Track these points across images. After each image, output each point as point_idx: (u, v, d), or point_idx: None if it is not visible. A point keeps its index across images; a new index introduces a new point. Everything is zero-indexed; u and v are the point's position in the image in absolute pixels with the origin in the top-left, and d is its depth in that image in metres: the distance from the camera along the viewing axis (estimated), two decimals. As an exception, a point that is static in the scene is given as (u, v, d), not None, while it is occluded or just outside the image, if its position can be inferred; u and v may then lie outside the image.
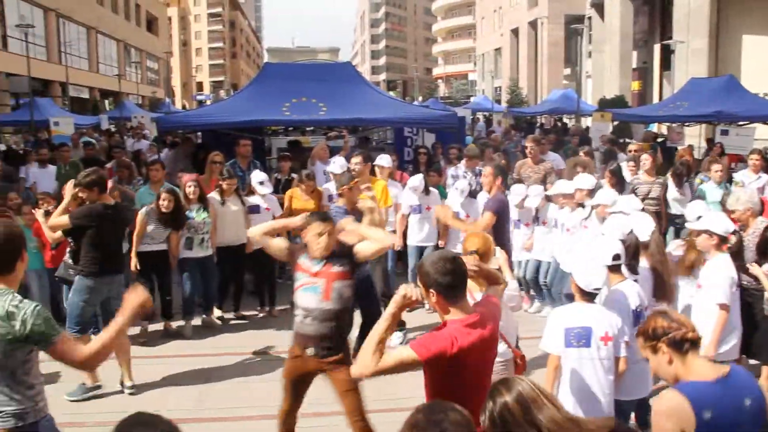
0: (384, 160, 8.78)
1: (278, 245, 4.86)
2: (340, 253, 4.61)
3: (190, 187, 7.89)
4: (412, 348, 3.08)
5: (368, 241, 4.68)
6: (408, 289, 3.18)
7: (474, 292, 4.43)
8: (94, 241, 6.18)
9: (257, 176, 8.54)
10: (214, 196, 8.17)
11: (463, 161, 10.58)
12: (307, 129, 12.88)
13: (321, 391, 4.81)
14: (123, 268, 6.78)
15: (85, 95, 43.35)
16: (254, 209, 8.38)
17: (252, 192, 8.48)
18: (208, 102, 67.76)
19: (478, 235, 4.74)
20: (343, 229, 4.92)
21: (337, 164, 8.29)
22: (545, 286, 8.31)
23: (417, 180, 8.62)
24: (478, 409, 2.52)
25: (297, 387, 4.69)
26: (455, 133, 12.92)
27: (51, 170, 11.97)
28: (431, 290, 3.15)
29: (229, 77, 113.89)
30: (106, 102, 45.95)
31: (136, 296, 3.40)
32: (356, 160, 7.79)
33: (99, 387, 6.24)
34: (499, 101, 49.07)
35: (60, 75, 36.55)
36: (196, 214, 7.82)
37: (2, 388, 3.25)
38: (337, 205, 6.99)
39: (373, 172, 8.49)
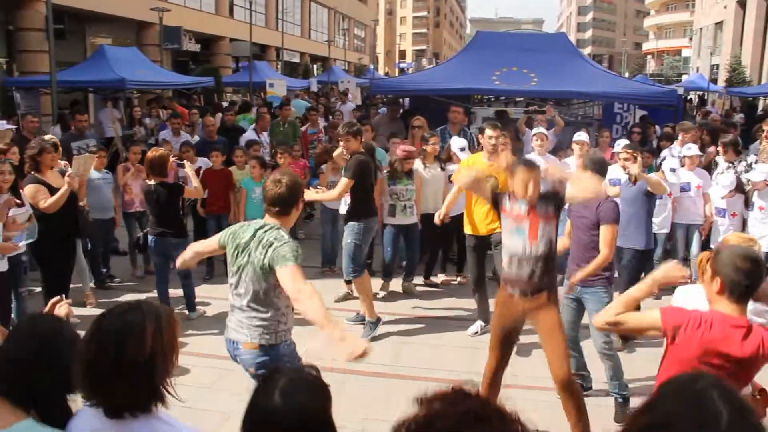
0: (583, 136, 8.32)
1: (484, 188, 5.03)
2: (545, 194, 4.65)
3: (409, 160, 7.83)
4: (660, 311, 3.04)
5: (578, 186, 4.65)
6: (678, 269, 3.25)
7: None
8: (366, 188, 6.98)
9: (457, 142, 8.33)
10: (417, 163, 8.09)
11: (678, 140, 9.90)
12: (517, 99, 12.70)
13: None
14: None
15: (296, 59, 45.59)
16: None
17: (450, 158, 8.37)
18: (410, 70, 68.82)
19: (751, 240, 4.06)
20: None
21: (622, 144, 7.92)
22: None
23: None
24: None
25: (505, 337, 4.78)
26: (671, 112, 12.15)
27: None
28: (717, 277, 2.99)
29: (431, 46, 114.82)
30: (315, 67, 48.06)
31: None
32: (493, 132, 6.74)
33: (379, 320, 6.91)
34: (715, 80, 45.44)
35: (276, 40, 38.72)
36: (399, 181, 7.77)
37: (257, 307, 3.79)
38: None
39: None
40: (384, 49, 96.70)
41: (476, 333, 6.85)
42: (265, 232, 3.81)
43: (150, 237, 7.17)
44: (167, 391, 2.13)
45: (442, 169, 8.25)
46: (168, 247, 7.00)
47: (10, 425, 2.06)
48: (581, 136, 8.40)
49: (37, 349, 2.20)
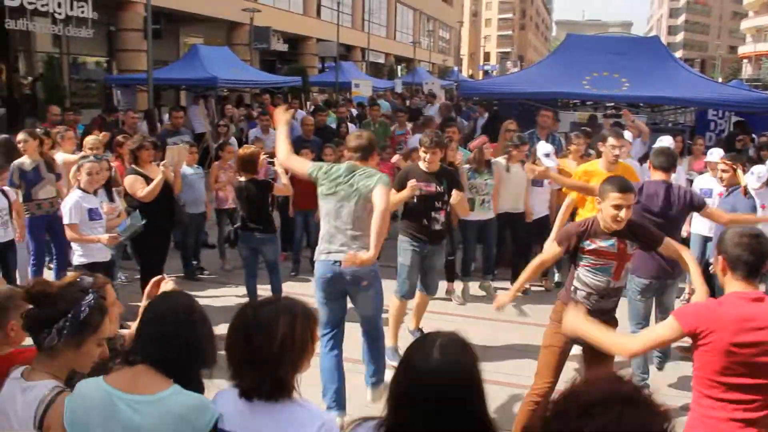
0: (665, 143, 7.97)
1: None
2: (635, 231, 4.31)
3: (488, 149, 7.85)
4: (675, 316, 3.05)
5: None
6: None
7: None
8: None
9: (543, 148, 8.05)
10: (500, 161, 8.04)
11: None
12: (607, 105, 12.45)
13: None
14: None
15: (381, 60, 45.93)
16: (537, 182, 8.17)
17: (536, 163, 8.26)
18: (494, 73, 68.28)
19: None
20: None
21: (665, 142, 7.73)
22: None
23: None
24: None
25: (560, 359, 4.46)
26: (768, 120, 11.68)
27: (349, 128, 12.91)
28: (720, 255, 3.15)
29: (516, 49, 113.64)
30: (399, 67, 48.30)
31: None
32: (617, 142, 6.48)
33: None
34: (818, 86, 43.32)
35: (362, 41, 39.11)
36: (479, 176, 7.75)
37: (359, 230, 4.74)
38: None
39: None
40: (468, 51, 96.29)
41: None
42: (363, 169, 4.81)
43: (239, 232, 7.38)
44: (292, 385, 2.26)
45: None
46: (256, 242, 7.18)
47: (163, 390, 2.26)
48: (663, 142, 8.11)
49: (176, 324, 2.36)
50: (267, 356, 2.19)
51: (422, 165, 6.15)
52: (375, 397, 5.28)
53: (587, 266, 4.28)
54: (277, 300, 2.37)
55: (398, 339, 6.31)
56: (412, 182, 5.87)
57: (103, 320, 2.50)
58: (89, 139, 7.85)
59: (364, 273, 4.81)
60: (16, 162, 7.32)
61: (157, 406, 2.21)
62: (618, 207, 4.09)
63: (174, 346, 2.31)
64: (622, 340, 3.23)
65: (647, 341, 3.23)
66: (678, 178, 8.11)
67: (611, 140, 6.42)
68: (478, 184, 7.75)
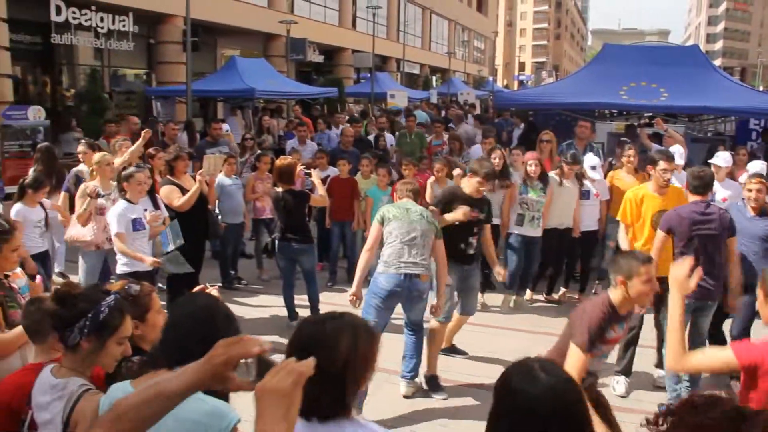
0: (721, 158, 7.73)
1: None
2: None
3: (531, 165, 7.79)
4: (732, 348, 2.97)
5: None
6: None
7: None
8: None
9: (590, 160, 8.23)
10: (553, 176, 7.99)
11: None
12: (645, 115, 12.34)
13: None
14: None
15: (416, 71, 45.98)
16: (584, 194, 8.12)
17: (582, 176, 8.19)
18: (529, 83, 67.99)
19: None
20: None
21: (722, 158, 7.61)
22: None
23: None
24: None
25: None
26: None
27: (387, 138, 12.96)
28: (762, 289, 3.08)
29: (551, 58, 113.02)
30: (434, 78, 48.32)
31: None
32: (668, 165, 6.24)
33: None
34: None
35: (397, 52, 39.21)
36: (532, 191, 7.74)
37: (426, 253, 5.45)
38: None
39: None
40: (503, 61, 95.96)
41: (624, 395, 5.85)
42: (424, 210, 5.60)
43: (276, 242, 7.45)
44: (351, 404, 2.13)
45: (581, 185, 8.08)
46: (294, 252, 7.24)
47: None
48: (720, 157, 7.84)
49: (196, 327, 2.36)
50: (328, 375, 2.05)
51: (467, 189, 6.08)
52: (408, 392, 5.65)
53: (596, 355, 3.83)
54: (339, 316, 2.24)
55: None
56: (466, 209, 5.85)
57: (123, 320, 2.58)
58: (98, 156, 7.20)
59: (424, 287, 5.45)
60: (74, 169, 7.67)
61: (173, 411, 2.07)
62: (649, 281, 3.74)
63: (194, 350, 2.14)
64: (679, 350, 3.00)
65: (699, 365, 3.20)
66: (728, 184, 7.89)
67: (662, 164, 6.21)
68: (530, 200, 7.73)
